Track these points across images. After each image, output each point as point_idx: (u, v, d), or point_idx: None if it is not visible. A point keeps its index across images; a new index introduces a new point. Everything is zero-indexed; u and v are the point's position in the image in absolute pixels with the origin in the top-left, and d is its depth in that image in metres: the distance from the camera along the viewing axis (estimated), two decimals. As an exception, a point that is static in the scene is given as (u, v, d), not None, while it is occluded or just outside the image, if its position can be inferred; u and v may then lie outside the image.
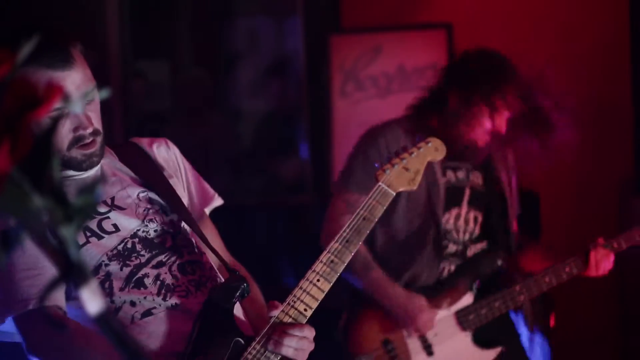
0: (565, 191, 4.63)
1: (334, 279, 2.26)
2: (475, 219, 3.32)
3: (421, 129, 3.19)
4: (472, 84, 3.13)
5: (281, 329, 2.17)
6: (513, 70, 3.16)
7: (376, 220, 2.37)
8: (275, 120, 5.33)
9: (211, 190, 2.52)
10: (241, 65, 5.53)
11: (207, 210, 2.52)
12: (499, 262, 3.32)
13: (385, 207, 2.40)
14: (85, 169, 2.24)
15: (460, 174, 3.30)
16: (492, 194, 3.35)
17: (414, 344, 3.22)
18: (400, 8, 4.73)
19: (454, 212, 3.28)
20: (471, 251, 3.32)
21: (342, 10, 4.82)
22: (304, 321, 2.21)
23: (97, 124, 2.19)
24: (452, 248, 3.28)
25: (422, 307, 3.18)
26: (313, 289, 2.23)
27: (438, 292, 3.25)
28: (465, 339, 3.28)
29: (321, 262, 2.27)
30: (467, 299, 3.27)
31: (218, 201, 2.54)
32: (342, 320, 3.33)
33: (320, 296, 2.23)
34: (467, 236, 3.30)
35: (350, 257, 2.29)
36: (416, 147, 2.57)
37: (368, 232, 2.35)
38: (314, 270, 2.25)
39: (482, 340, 3.29)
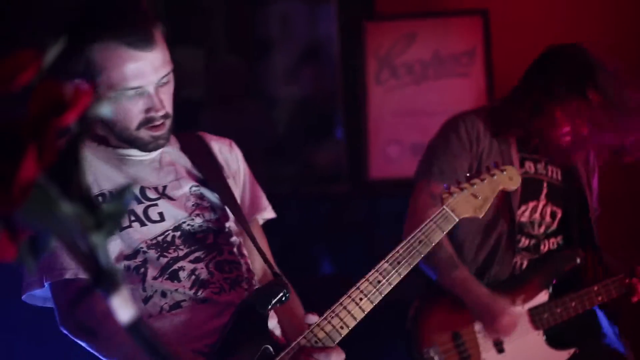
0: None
1: (378, 300, 2.19)
2: (553, 213, 3.23)
3: (501, 121, 3.12)
4: (556, 83, 3.05)
5: (308, 352, 2.12)
6: (597, 68, 3.05)
7: (433, 244, 2.29)
8: (309, 107, 5.29)
9: (265, 201, 2.49)
10: (275, 52, 5.49)
11: (260, 220, 2.49)
12: (578, 260, 3.20)
13: (444, 233, 2.32)
14: (150, 150, 2.25)
15: (540, 167, 3.22)
16: (571, 191, 3.25)
17: (484, 340, 3.13)
18: (436, -7, 4.67)
19: (531, 204, 3.20)
20: (545, 247, 3.22)
21: (376, -4, 4.77)
22: (339, 339, 2.16)
23: (169, 107, 2.21)
24: (524, 242, 3.18)
25: (505, 310, 3.08)
26: (354, 308, 2.18)
27: (512, 287, 3.16)
28: (537, 337, 3.17)
29: (367, 280, 2.21)
30: (542, 297, 3.17)
31: (269, 214, 2.50)
32: (412, 309, 3.24)
33: (360, 316, 2.18)
34: (542, 230, 3.20)
35: (398, 280, 2.21)
36: (489, 173, 2.50)
37: (422, 255, 2.26)
38: (358, 288, 2.20)
39: (555, 340, 3.19)
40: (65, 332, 2.16)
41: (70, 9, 2.24)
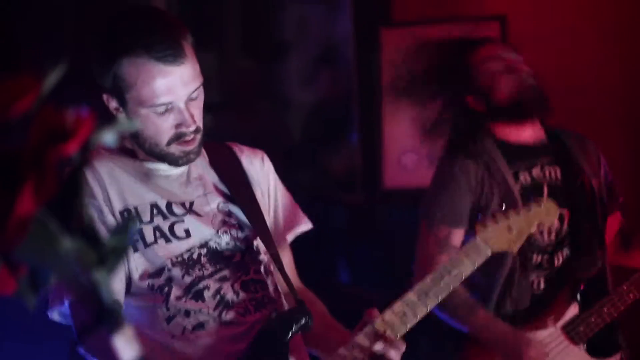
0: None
1: (403, 332, 2.15)
2: (561, 216, 3.09)
3: (470, 145, 3.07)
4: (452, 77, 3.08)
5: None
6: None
7: (463, 278, 2.22)
8: (324, 111, 5.25)
9: (301, 215, 2.43)
10: (290, 55, 5.45)
11: (291, 236, 2.43)
12: (597, 264, 3.10)
13: (476, 266, 2.25)
14: (181, 165, 2.20)
15: (535, 172, 3.12)
16: (573, 189, 3.14)
17: None
18: (453, 0, 4.61)
19: None
20: (559, 260, 3.11)
21: (393, 3, 4.72)
22: None
23: (200, 121, 2.15)
24: (536, 259, 3.08)
25: (529, 342, 2.97)
26: None
27: (539, 310, 3.05)
28: (580, 353, 3.06)
29: (392, 311, 2.16)
30: (573, 310, 3.07)
31: (306, 225, 2.44)
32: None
33: None
34: (552, 236, 3.09)
35: (425, 312, 2.16)
36: (526, 207, 2.43)
37: (450, 289, 2.19)
38: (383, 319, 2.15)
39: (599, 349, 3.08)
40: (82, 352, 2.11)
41: (98, 23, 2.20)
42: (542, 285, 3.09)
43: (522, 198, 3.00)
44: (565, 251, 3.12)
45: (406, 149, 4.51)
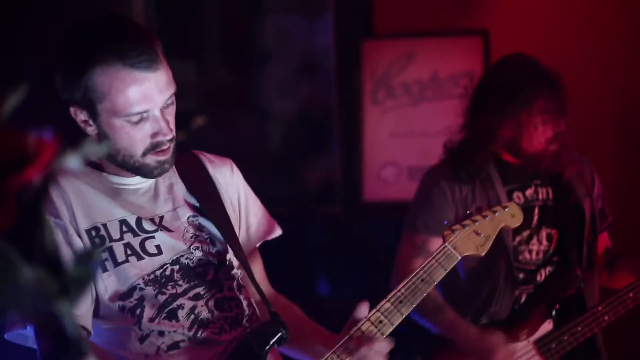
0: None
1: None
2: (549, 236, 3.13)
3: (471, 163, 3.05)
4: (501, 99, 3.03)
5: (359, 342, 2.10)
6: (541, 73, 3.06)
7: (435, 283, 2.24)
8: (304, 122, 5.22)
9: (272, 221, 2.38)
10: (270, 65, 5.42)
11: (260, 242, 2.39)
12: (576, 283, 3.10)
13: (447, 271, 2.27)
14: (156, 176, 2.14)
15: (528, 193, 3.12)
16: (564, 209, 3.15)
17: None
18: (435, 13, 4.60)
19: (525, 233, 3.10)
20: (541, 276, 3.12)
21: (374, 15, 4.69)
22: None
23: (173, 129, 2.08)
24: (521, 276, 3.09)
25: (498, 345, 2.97)
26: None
27: (513, 323, 3.05)
28: None
29: (369, 320, 2.15)
30: (546, 327, 3.06)
31: (277, 232, 2.40)
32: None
33: None
34: (540, 255, 3.10)
35: (400, 319, 2.17)
36: (491, 210, 2.44)
37: (424, 295, 2.21)
38: (360, 329, 2.13)
39: (576, 356, 3.08)
40: None
41: (66, 33, 2.12)
42: (522, 300, 3.09)
43: None
44: (548, 268, 3.13)
45: (386, 162, 4.48)
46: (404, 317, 2.18)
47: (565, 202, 3.16)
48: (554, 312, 3.07)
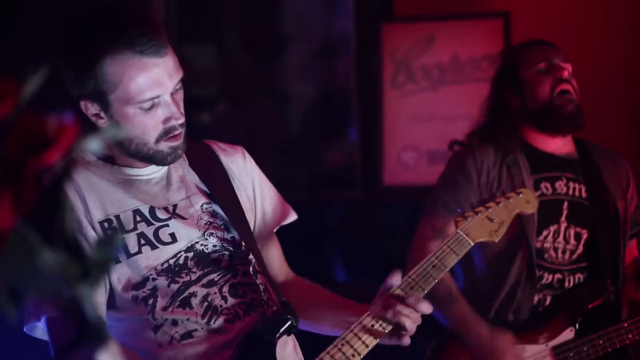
0: None
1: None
2: (578, 235, 3.00)
3: (497, 143, 3.03)
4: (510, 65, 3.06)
5: (398, 299, 2.10)
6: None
7: (447, 269, 2.21)
8: (323, 106, 5.21)
9: (287, 206, 2.38)
10: (289, 49, 5.41)
11: (277, 227, 2.39)
12: (604, 294, 2.99)
13: (459, 257, 2.23)
14: (169, 163, 2.14)
15: (558, 185, 3.01)
16: (598, 210, 3.03)
17: None
18: (455, -4, 4.58)
19: (552, 228, 2.99)
20: (570, 283, 3.00)
21: (394, -3, 4.68)
22: None
23: (183, 114, 2.10)
24: (547, 278, 2.98)
25: (507, 347, 2.88)
26: (365, 335, 2.10)
27: (534, 325, 2.96)
28: None
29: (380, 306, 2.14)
30: (567, 335, 2.96)
31: (292, 216, 2.40)
32: (428, 350, 3.09)
33: (373, 344, 2.10)
34: (567, 256, 2.99)
35: None
36: (505, 197, 2.42)
37: (436, 281, 2.17)
38: (370, 315, 2.12)
39: None
40: None
41: (70, 27, 2.13)
42: (547, 303, 3.01)
43: (538, 207, 2.93)
44: (579, 275, 3.02)
45: (406, 146, 4.47)
46: None
47: (599, 201, 3.05)
48: (577, 322, 2.98)
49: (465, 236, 2.28)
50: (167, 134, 2.09)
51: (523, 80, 3.00)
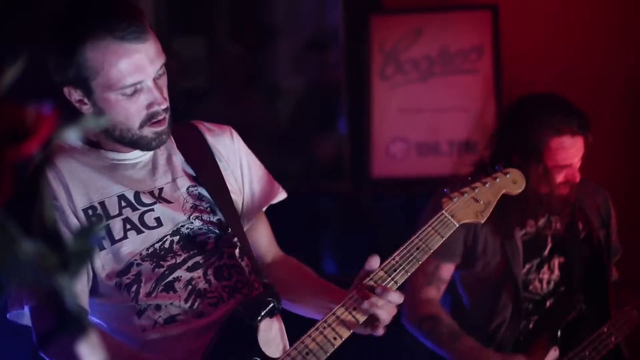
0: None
1: (365, 318, 2.13)
2: (561, 265, 3.07)
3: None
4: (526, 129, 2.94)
5: (372, 290, 2.09)
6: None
7: (431, 251, 2.19)
8: (313, 98, 5.20)
9: (276, 185, 2.39)
10: (279, 40, 5.40)
11: (267, 206, 2.40)
12: (578, 306, 3.03)
13: (444, 239, 2.21)
14: (154, 148, 2.16)
15: (541, 221, 3.04)
16: (575, 238, 3.09)
17: None
18: (444, -13, 4.56)
19: (535, 261, 3.03)
20: (548, 304, 3.06)
21: (383, -11, 4.67)
22: (331, 350, 2.10)
23: (167, 99, 2.11)
24: (530, 307, 3.03)
25: None
26: (348, 317, 2.10)
27: (518, 352, 2.98)
28: None
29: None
30: (553, 355, 2.98)
31: (282, 195, 2.41)
32: None
33: (346, 335, 2.11)
34: (551, 286, 3.04)
35: (395, 288, 2.14)
36: (491, 177, 2.38)
37: (420, 263, 2.16)
38: (351, 297, 2.12)
39: None
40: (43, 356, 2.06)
41: (53, 13, 2.14)
42: (530, 327, 3.03)
43: (523, 245, 2.95)
44: (556, 297, 3.08)
45: (395, 138, 4.47)
46: (398, 285, 2.14)
47: (577, 232, 3.09)
48: (557, 340, 2.99)
49: (450, 217, 2.26)
50: (150, 120, 2.10)
51: (542, 151, 2.93)
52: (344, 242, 4.69)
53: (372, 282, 2.11)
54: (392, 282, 2.13)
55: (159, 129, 2.13)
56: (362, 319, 2.09)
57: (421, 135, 4.38)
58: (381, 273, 2.14)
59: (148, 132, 2.12)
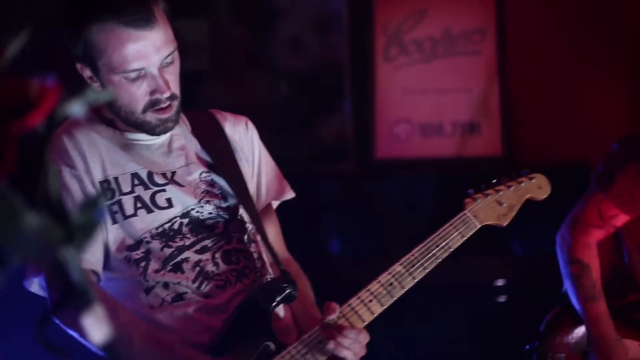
0: None
1: (388, 304, 2.13)
2: None
3: None
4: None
5: (339, 328, 2.07)
6: None
7: (451, 250, 2.20)
8: (316, 79, 5.19)
9: (285, 184, 2.40)
10: (282, 22, 5.39)
11: (275, 203, 2.41)
12: None
13: (465, 238, 2.22)
14: (159, 134, 2.17)
15: None
16: None
17: None
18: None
19: None
20: None
21: (386, -30, 4.65)
22: None
23: (175, 88, 2.12)
24: None
25: (621, 358, 2.88)
26: (362, 309, 2.11)
27: None
28: None
29: (379, 282, 2.14)
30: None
31: (289, 194, 2.41)
32: (552, 313, 3.06)
33: (369, 319, 2.12)
34: None
35: (412, 283, 2.15)
36: (516, 181, 2.39)
37: (439, 261, 2.17)
38: (369, 290, 2.13)
39: None
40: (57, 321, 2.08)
41: None
42: None
43: None
44: None
45: (399, 119, 4.46)
46: (416, 281, 2.16)
47: None
48: None
49: (473, 218, 2.27)
50: (153, 106, 2.12)
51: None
52: (347, 223, 4.69)
53: (342, 318, 2.09)
54: (410, 277, 2.14)
55: (163, 116, 2.14)
56: (322, 358, 2.09)
57: (425, 116, 4.38)
58: (399, 268, 2.16)
59: (151, 117, 2.14)
